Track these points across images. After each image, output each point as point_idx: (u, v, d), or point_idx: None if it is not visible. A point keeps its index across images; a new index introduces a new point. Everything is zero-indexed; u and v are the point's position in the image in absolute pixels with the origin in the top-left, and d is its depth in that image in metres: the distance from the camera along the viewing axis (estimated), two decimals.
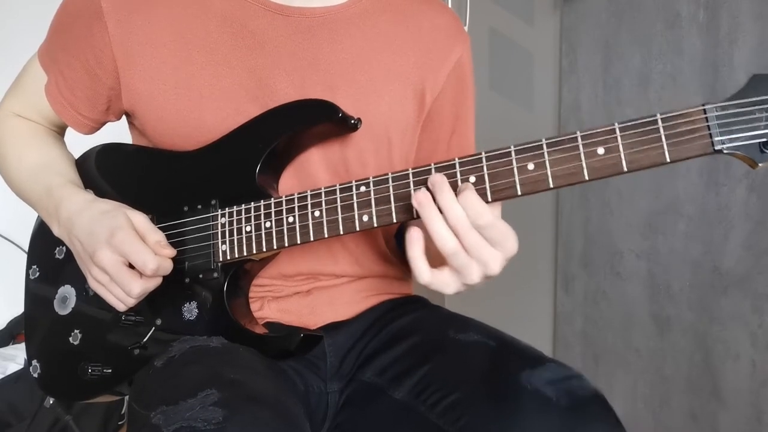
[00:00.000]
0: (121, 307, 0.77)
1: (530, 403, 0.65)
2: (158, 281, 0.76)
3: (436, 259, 0.67)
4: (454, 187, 0.66)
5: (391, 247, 0.93)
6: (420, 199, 0.66)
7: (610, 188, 1.79)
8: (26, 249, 0.96)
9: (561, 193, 1.96)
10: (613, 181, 1.77)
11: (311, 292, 0.85)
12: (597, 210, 1.84)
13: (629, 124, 0.63)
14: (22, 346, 1.77)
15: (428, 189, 0.66)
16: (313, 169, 0.82)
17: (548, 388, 0.66)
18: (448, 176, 0.67)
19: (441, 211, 0.65)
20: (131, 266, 0.75)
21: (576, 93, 1.88)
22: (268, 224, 0.76)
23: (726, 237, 1.47)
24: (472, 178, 0.67)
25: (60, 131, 0.96)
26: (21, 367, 1.68)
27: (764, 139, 0.60)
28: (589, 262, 1.87)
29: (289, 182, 0.81)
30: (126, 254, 0.74)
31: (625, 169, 0.63)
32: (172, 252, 0.77)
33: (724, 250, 1.48)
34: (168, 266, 0.76)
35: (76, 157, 0.93)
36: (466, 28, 0.95)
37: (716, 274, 1.50)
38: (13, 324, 1.88)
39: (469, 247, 0.64)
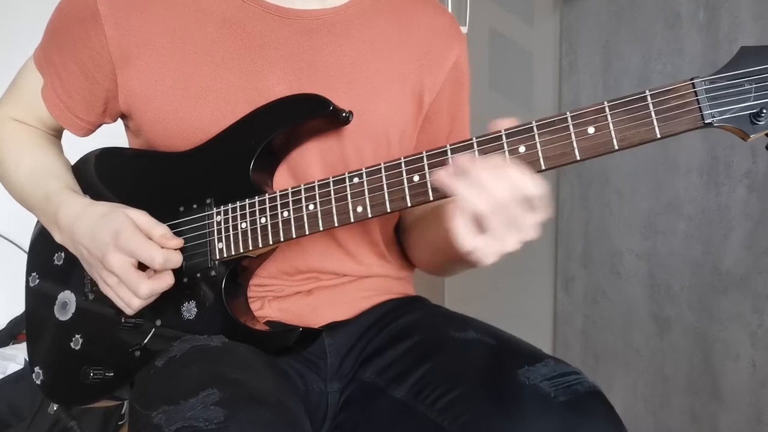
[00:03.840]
0: (127, 311, 0.77)
1: (529, 399, 0.65)
2: (168, 282, 0.76)
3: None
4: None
5: (392, 247, 0.93)
6: (437, 174, 0.64)
7: (610, 188, 1.79)
8: (26, 249, 0.96)
9: (561, 193, 1.96)
10: (613, 181, 1.77)
11: (312, 292, 0.85)
12: (597, 210, 1.84)
13: (618, 101, 0.63)
14: (22, 346, 1.77)
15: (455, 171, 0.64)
16: (311, 172, 0.82)
17: (546, 384, 0.66)
18: (441, 163, 0.68)
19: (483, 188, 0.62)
20: (141, 267, 0.75)
21: (576, 93, 1.88)
22: (263, 220, 0.76)
23: (726, 237, 1.47)
24: None
25: (56, 134, 0.95)
26: (21, 367, 1.68)
27: (754, 110, 0.60)
28: (589, 262, 1.87)
29: (288, 185, 0.81)
30: (132, 252, 0.74)
31: (616, 147, 0.63)
32: (179, 242, 0.77)
33: (724, 250, 1.48)
34: (177, 258, 0.76)
35: (73, 161, 0.93)
36: (466, 28, 0.95)
37: (716, 274, 1.50)
38: (13, 324, 1.88)
39: (508, 216, 0.62)
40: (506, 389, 0.67)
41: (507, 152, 0.66)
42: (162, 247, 0.75)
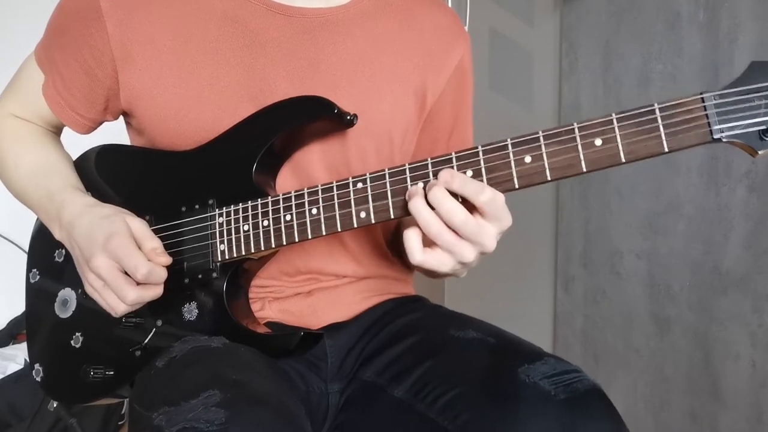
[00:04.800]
0: (113, 314, 0.77)
1: (529, 397, 0.65)
2: (157, 292, 0.75)
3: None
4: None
5: (394, 247, 0.93)
6: (411, 190, 0.68)
7: (610, 188, 1.79)
8: (26, 249, 0.96)
9: (561, 194, 1.96)
10: (613, 181, 1.77)
11: (312, 293, 0.85)
12: (597, 210, 1.84)
13: (627, 114, 0.63)
14: (22, 346, 1.77)
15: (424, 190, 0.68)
16: (314, 172, 0.82)
17: (546, 382, 0.66)
18: None
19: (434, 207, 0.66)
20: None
21: (576, 93, 1.88)
22: (265, 223, 0.76)
23: (726, 237, 1.48)
24: (469, 172, 0.67)
25: (57, 131, 0.95)
26: (21, 367, 1.68)
27: (763, 127, 0.59)
28: (589, 262, 1.88)
29: (290, 184, 0.81)
30: (119, 259, 0.73)
31: (623, 159, 0.63)
32: (167, 260, 0.76)
33: (724, 250, 1.48)
34: (161, 274, 0.75)
35: (74, 158, 0.93)
36: (466, 28, 0.95)
37: (716, 274, 1.51)
38: (13, 324, 1.88)
39: (459, 227, 0.65)
40: (506, 388, 0.67)
41: (513, 162, 0.65)
42: (149, 261, 0.74)
